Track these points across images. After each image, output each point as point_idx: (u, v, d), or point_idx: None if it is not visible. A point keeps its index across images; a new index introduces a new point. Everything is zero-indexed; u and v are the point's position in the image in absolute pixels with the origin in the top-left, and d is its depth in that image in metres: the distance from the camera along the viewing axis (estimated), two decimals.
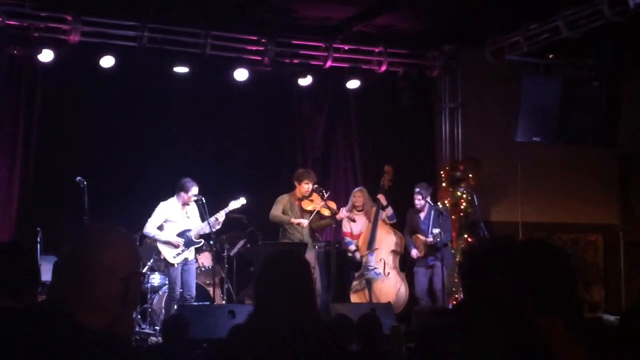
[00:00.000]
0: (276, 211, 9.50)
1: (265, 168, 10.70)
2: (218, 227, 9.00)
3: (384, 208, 9.81)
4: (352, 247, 9.89)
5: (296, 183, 9.53)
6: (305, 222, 9.43)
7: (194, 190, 8.88)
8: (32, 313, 2.06)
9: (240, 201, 9.07)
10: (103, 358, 1.92)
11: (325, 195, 9.45)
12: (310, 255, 9.08)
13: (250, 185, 9.79)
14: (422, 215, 9.79)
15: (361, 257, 9.82)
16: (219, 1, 9.26)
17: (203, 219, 8.94)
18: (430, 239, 9.53)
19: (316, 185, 9.52)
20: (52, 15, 9.28)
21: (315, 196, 9.50)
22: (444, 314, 8.01)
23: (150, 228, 8.88)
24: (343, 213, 9.68)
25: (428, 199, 9.70)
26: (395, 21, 10.05)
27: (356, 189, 10.10)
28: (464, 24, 10.05)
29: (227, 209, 9.01)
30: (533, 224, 10.90)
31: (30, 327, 1.95)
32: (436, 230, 9.47)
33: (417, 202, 9.76)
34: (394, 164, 10.04)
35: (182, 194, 8.90)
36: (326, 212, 9.54)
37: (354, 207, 9.94)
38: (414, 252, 9.75)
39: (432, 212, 9.65)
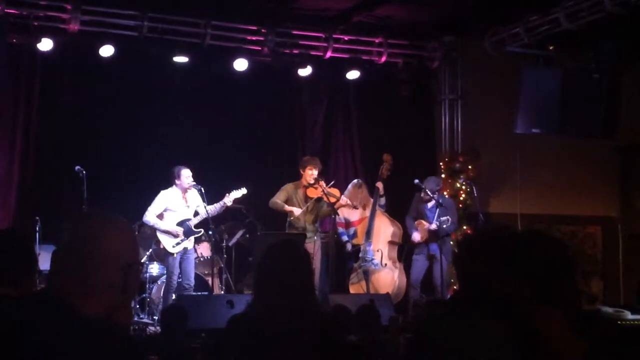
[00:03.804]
0: (276, 198, 9.45)
1: (265, 158, 10.67)
2: (220, 209, 8.95)
3: (381, 196, 9.80)
4: (345, 238, 9.86)
5: (301, 170, 9.47)
6: (297, 211, 9.37)
7: (185, 172, 8.86)
8: (31, 300, 2.06)
9: (242, 191, 9.05)
10: (101, 346, 1.92)
11: (327, 185, 9.39)
12: (309, 246, 9.08)
13: (250, 176, 9.74)
14: (430, 203, 9.68)
15: (354, 246, 9.78)
16: None
17: (204, 208, 8.92)
18: (434, 225, 9.42)
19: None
20: (51, 4, 9.25)
21: (320, 185, 9.45)
22: (441, 306, 8.03)
23: (150, 216, 8.86)
24: (344, 200, 9.61)
25: (435, 195, 9.52)
26: (395, 12, 10.04)
27: (355, 182, 10.00)
28: (464, 15, 10.03)
29: (229, 197, 8.98)
30: (532, 215, 10.90)
31: (28, 315, 1.95)
32: (444, 217, 9.36)
33: (422, 195, 9.60)
34: (394, 155, 10.02)
35: (177, 181, 8.90)
36: (330, 199, 9.42)
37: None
38: (416, 235, 9.63)
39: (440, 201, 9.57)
